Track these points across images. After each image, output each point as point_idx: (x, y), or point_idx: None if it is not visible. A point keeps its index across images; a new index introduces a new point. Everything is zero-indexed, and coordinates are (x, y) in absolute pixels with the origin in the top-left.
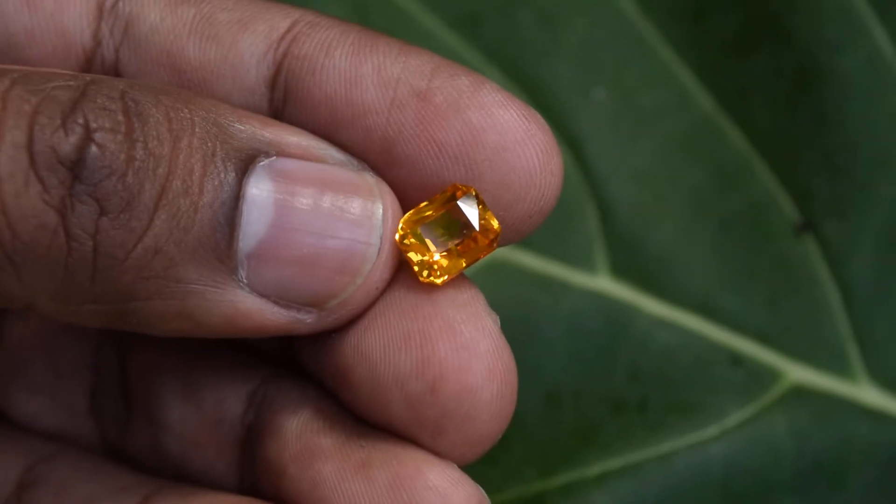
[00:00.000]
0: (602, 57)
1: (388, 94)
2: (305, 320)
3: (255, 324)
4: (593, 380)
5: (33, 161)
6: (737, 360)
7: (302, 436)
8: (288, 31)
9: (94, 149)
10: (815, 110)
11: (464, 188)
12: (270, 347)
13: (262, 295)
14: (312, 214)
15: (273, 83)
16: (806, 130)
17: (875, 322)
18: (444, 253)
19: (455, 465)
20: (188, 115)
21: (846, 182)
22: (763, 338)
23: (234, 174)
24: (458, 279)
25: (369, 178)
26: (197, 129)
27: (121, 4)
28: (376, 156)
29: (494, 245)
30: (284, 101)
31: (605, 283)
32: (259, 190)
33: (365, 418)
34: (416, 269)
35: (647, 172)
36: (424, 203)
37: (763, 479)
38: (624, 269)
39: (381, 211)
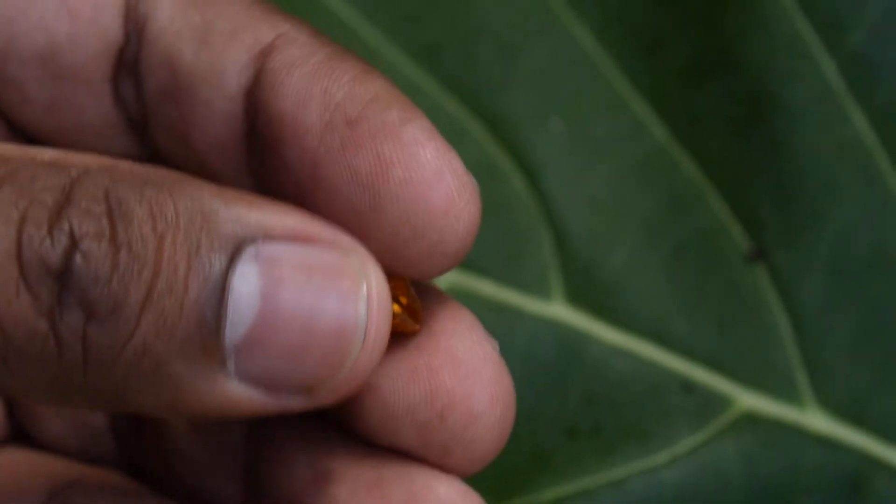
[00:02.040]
0: (559, 87)
1: (325, 117)
2: (295, 405)
3: (246, 411)
4: (547, 406)
5: (23, 270)
6: (688, 386)
7: (312, 460)
8: (270, 44)
9: (79, 258)
10: (766, 139)
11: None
12: None
13: (252, 383)
14: (297, 304)
15: (248, 94)
16: (757, 159)
17: (824, 349)
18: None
19: (460, 479)
20: (172, 209)
21: (796, 210)
22: (714, 364)
23: (219, 267)
24: (455, 308)
25: (355, 260)
26: (182, 223)
27: (140, 4)
28: (305, 177)
29: (417, 328)
30: (254, 113)
31: (559, 310)
32: (244, 281)
33: (372, 442)
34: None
35: (602, 200)
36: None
37: (714, 503)
38: (578, 296)
39: (364, 297)
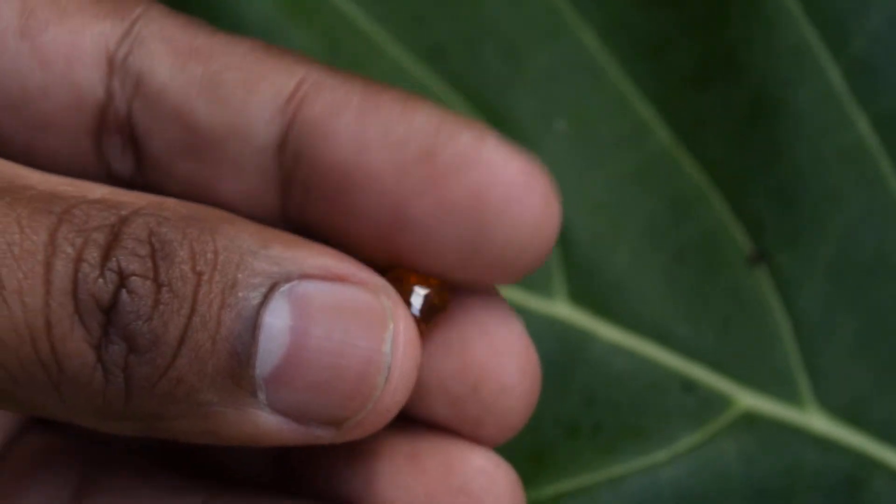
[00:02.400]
0: (563, 89)
1: (396, 157)
2: (325, 437)
3: (277, 440)
4: (549, 403)
5: (77, 307)
6: (689, 386)
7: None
8: (294, 91)
9: (125, 294)
10: (769, 143)
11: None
12: None
13: (282, 414)
14: (325, 342)
15: (282, 145)
16: (759, 163)
17: (824, 351)
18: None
19: (491, 449)
20: (212, 248)
21: (798, 214)
22: (715, 365)
23: (252, 303)
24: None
25: (385, 302)
26: (219, 263)
27: (130, 59)
28: (388, 218)
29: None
30: (295, 163)
31: (562, 309)
32: (275, 318)
33: (405, 416)
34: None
35: (606, 201)
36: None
37: (712, 502)
38: (581, 295)
39: (390, 337)
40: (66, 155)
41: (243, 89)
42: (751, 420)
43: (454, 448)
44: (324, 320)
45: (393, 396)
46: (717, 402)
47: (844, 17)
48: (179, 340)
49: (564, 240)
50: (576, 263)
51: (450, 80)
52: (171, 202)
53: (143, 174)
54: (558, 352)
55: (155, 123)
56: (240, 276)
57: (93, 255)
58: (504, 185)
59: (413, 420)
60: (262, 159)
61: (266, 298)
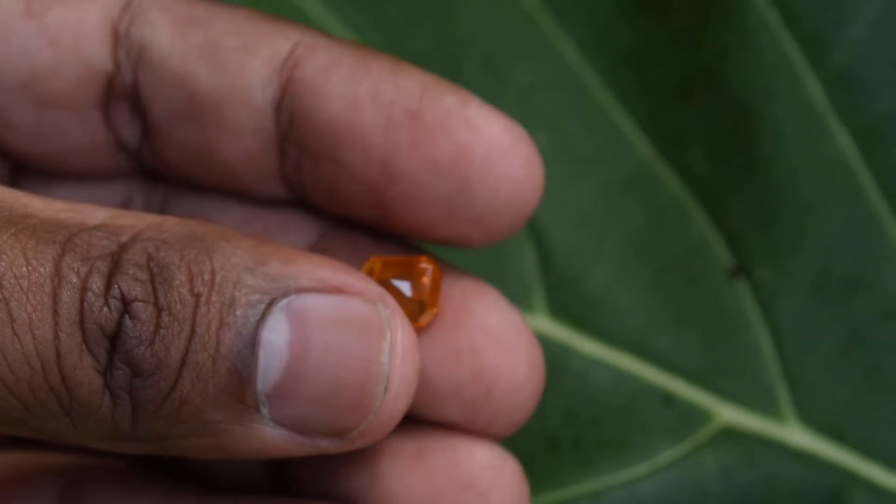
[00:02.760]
0: (543, 103)
1: (384, 115)
2: (329, 448)
3: (283, 452)
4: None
5: (85, 337)
6: (669, 400)
7: None
8: (290, 54)
9: (128, 321)
10: (749, 157)
11: (427, 264)
12: None
13: (286, 427)
14: (324, 356)
15: (279, 105)
16: (740, 177)
17: (804, 365)
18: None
19: (497, 443)
20: (209, 268)
21: (778, 227)
22: (695, 378)
23: (251, 322)
24: (479, 283)
25: (382, 311)
26: (217, 283)
27: (132, 29)
28: (376, 174)
29: (416, 321)
30: (290, 122)
31: (542, 323)
32: (274, 334)
33: (415, 418)
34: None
35: (586, 215)
36: (399, 258)
37: None
38: (561, 309)
39: (388, 349)
40: (76, 131)
41: (242, 53)
42: (731, 434)
43: (460, 445)
44: (322, 334)
45: (394, 405)
46: (698, 416)
47: (824, 31)
48: (181, 363)
49: (544, 253)
50: (555, 277)
51: None
52: (170, 222)
53: (148, 143)
54: None
55: (157, 90)
56: (237, 294)
57: (97, 283)
58: (487, 144)
59: (419, 421)
60: (259, 120)
61: (264, 315)
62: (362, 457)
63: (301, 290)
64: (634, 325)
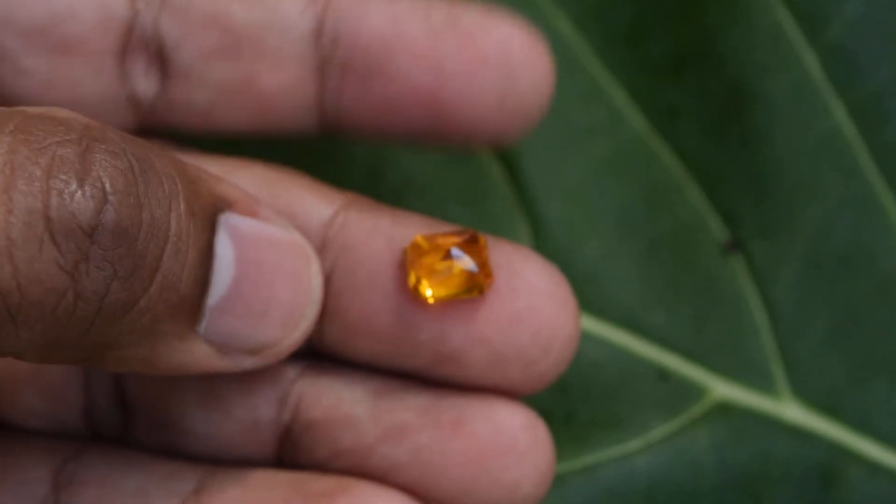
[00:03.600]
0: None
1: (426, 25)
2: (243, 365)
3: (201, 369)
4: None
5: (50, 227)
6: (663, 375)
7: (379, 417)
8: None
9: (111, 213)
10: (745, 132)
11: (476, 237)
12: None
13: (213, 344)
14: (261, 272)
15: (319, 31)
16: (735, 152)
17: (799, 341)
18: (443, 279)
19: (525, 405)
20: (173, 174)
21: (773, 203)
22: (689, 354)
23: (207, 234)
24: (515, 245)
25: (299, 237)
26: (181, 189)
27: None
28: (428, 79)
29: (481, 292)
30: (334, 44)
31: None
32: (224, 249)
33: (474, 386)
34: (412, 281)
35: (579, 190)
36: (443, 234)
37: (685, 491)
38: None
39: (316, 268)
40: (88, 81)
41: None
42: (725, 409)
43: (499, 408)
44: (256, 251)
45: (311, 324)
46: (692, 392)
47: (821, 4)
48: (156, 266)
49: (537, 227)
50: (549, 251)
51: None
52: (111, 128)
53: (168, 91)
54: None
55: (186, 32)
56: (197, 204)
57: (66, 169)
58: (522, 39)
59: (446, 386)
60: (300, 48)
61: (214, 229)
62: (397, 433)
63: (231, 209)
64: (628, 299)
